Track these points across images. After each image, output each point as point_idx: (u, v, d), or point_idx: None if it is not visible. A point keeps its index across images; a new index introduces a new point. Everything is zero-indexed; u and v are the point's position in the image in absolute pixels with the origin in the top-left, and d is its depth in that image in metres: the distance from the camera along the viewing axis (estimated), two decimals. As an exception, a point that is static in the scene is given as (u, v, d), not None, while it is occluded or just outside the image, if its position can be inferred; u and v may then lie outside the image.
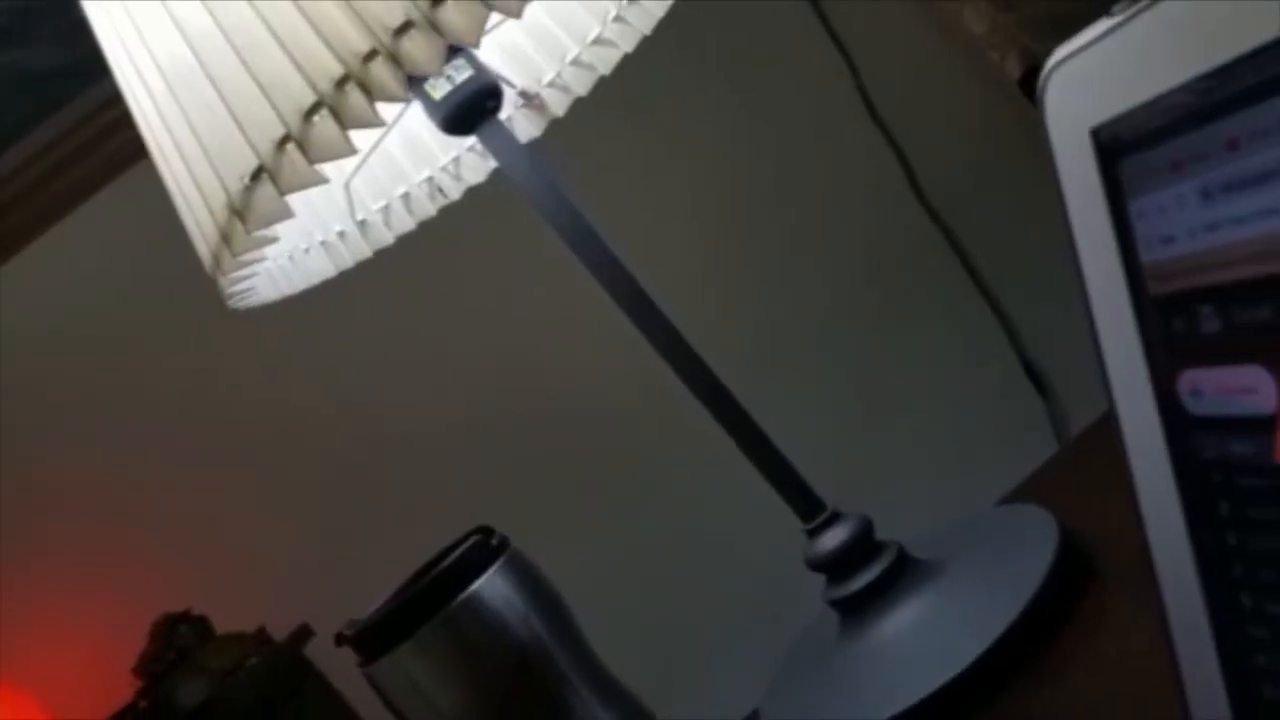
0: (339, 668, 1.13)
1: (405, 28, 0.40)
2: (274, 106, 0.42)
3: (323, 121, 0.41)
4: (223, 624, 1.15)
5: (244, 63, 0.42)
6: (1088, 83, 0.21)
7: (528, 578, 0.49)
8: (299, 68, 0.41)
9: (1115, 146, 0.21)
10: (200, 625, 1.08)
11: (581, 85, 0.60)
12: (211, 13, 0.43)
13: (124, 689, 1.08)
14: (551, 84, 0.59)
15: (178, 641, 1.05)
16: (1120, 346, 0.22)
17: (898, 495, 1.03)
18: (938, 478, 1.20)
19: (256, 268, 0.49)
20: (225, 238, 0.44)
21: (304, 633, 1.18)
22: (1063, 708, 0.42)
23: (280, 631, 1.17)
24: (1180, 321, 0.20)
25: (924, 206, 1.35)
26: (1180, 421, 0.21)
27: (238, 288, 0.49)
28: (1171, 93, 0.19)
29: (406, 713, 0.48)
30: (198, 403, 1.30)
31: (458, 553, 0.48)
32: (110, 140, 1.21)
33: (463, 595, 0.46)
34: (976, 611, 0.47)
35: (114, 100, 0.53)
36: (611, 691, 0.50)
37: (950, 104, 1.41)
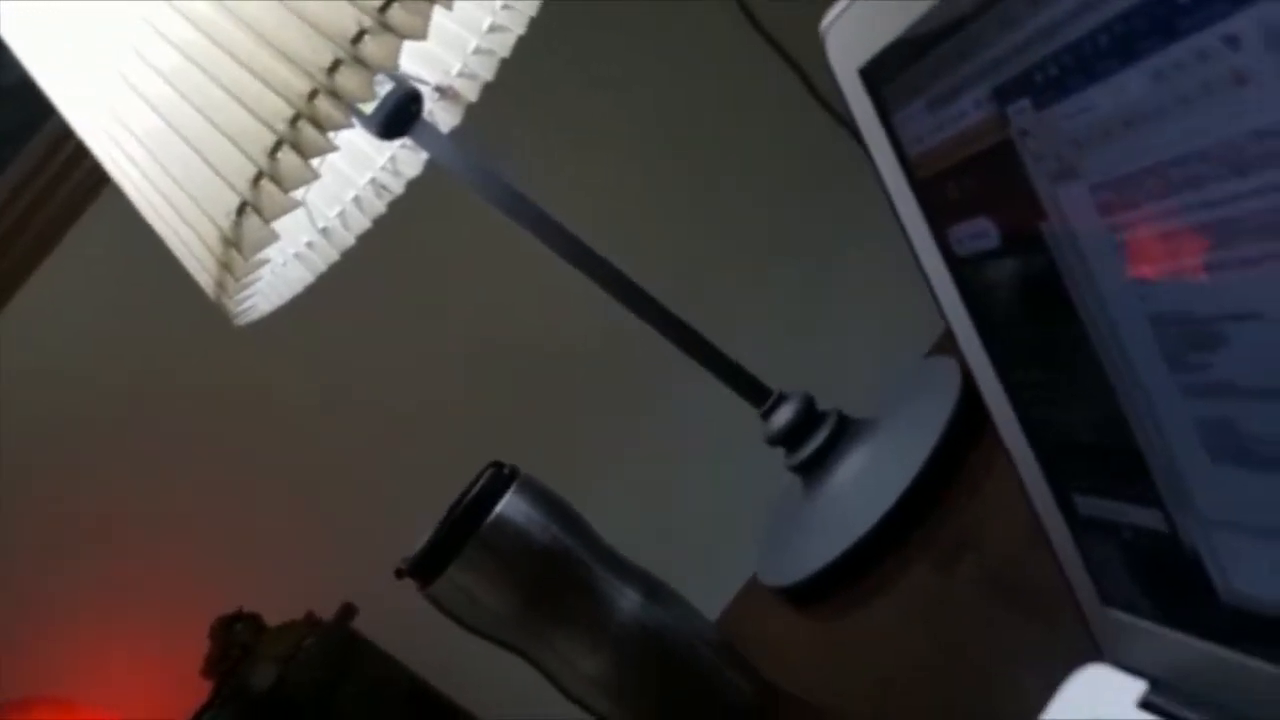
0: (385, 637, 1.25)
1: (335, 66, 0.49)
2: (243, 151, 0.50)
3: (286, 156, 0.50)
4: (271, 618, 1.25)
5: (208, 120, 0.50)
6: (852, 33, 0.30)
7: (540, 494, 0.59)
8: (255, 116, 0.49)
9: (875, 80, 0.30)
10: (253, 621, 1.18)
11: (487, 70, 0.68)
12: (170, 82, 0.50)
13: (196, 692, 1.18)
14: (460, 75, 0.67)
15: (236, 639, 1.14)
16: (911, 218, 0.31)
17: (840, 364, 1.14)
18: (870, 344, 1.31)
19: (254, 289, 0.57)
20: (226, 267, 0.52)
21: (348, 610, 1.28)
22: (977, 517, 0.52)
23: (325, 614, 1.28)
24: (938, 195, 0.30)
25: (827, 110, 1.43)
26: (957, 262, 0.31)
27: (241, 307, 0.57)
28: (899, 39, 0.28)
29: (466, 619, 0.58)
30: (202, 413, 1.38)
31: (479, 485, 0.57)
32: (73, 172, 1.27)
33: (491, 517, 0.56)
34: (903, 454, 0.58)
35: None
36: (628, 572, 0.60)
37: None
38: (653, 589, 0.59)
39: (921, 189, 0.31)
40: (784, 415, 0.61)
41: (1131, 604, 0.32)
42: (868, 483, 0.59)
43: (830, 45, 0.31)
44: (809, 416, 0.61)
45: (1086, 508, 0.32)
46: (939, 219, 0.31)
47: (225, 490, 1.38)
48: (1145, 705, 0.32)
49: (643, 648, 0.57)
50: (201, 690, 1.18)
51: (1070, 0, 0.22)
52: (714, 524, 1.22)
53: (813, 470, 0.61)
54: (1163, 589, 0.30)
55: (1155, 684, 0.33)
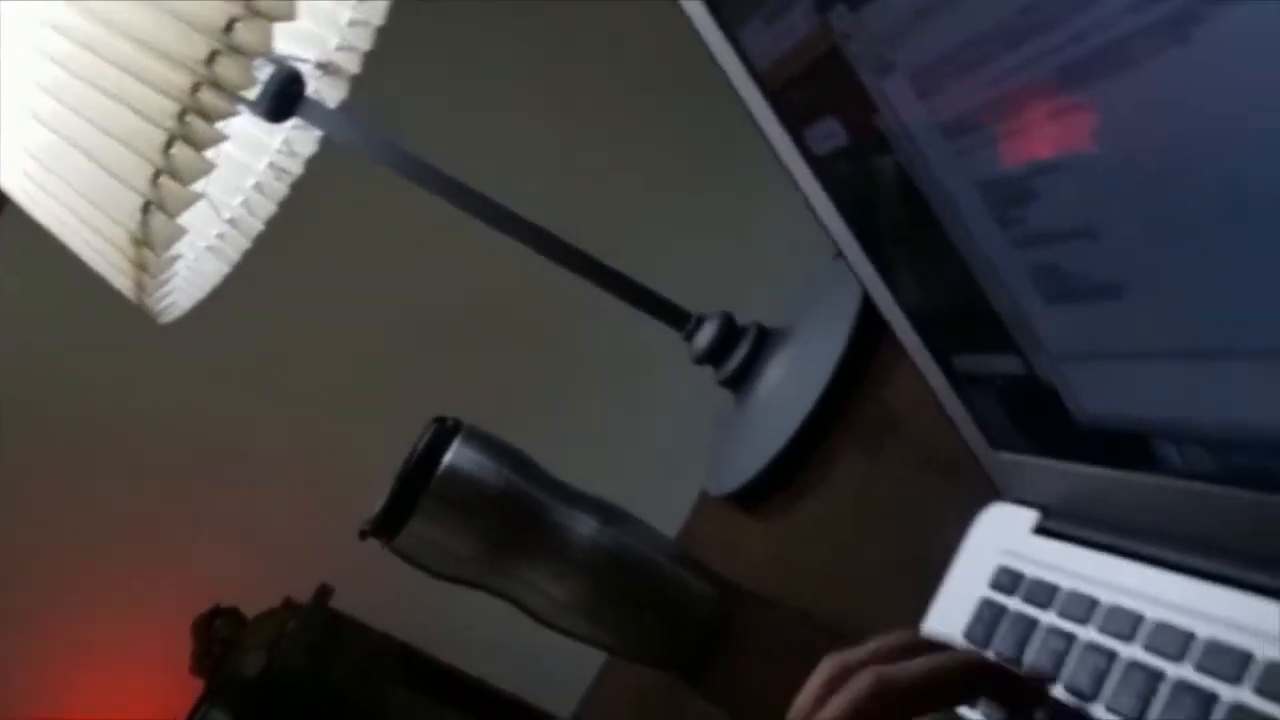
0: (367, 610, 1.27)
1: (213, 57, 0.49)
2: (137, 152, 0.51)
3: (180, 151, 0.51)
4: (249, 609, 1.27)
5: (99, 128, 0.51)
6: None
7: (485, 440, 0.62)
8: (143, 117, 0.50)
9: (714, 7, 0.32)
10: (233, 615, 1.20)
11: (364, 40, 0.68)
12: (56, 97, 0.51)
13: (191, 691, 1.20)
14: (339, 48, 0.68)
15: (218, 634, 1.16)
16: (771, 127, 0.34)
17: (754, 276, 1.17)
18: (781, 253, 1.35)
19: (171, 284, 0.58)
20: (141, 266, 0.53)
21: (325, 590, 1.30)
22: (889, 402, 0.56)
23: (302, 597, 1.30)
24: (789, 103, 0.32)
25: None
26: (818, 162, 0.33)
27: (163, 305, 0.59)
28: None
29: (435, 567, 0.60)
30: (143, 412, 1.39)
31: (425, 439, 0.60)
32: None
33: (441, 468, 0.58)
34: (819, 355, 0.61)
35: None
36: (582, 501, 0.63)
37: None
38: (608, 514, 0.63)
39: (775, 99, 0.33)
40: (706, 335, 0.64)
41: (1014, 444, 0.35)
42: (790, 387, 0.62)
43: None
44: (729, 333, 0.64)
45: (962, 365, 0.35)
46: (794, 124, 0.33)
47: (179, 490, 1.39)
48: (1039, 531, 0.36)
49: (606, 568, 0.60)
50: (195, 688, 1.20)
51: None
52: (664, 448, 1.25)
53: (740, 382, 0.64)
54: (1034, 424, 0.33)
55: (1046, 511, 0.36)
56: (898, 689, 0.30)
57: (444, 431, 0.60)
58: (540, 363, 1.49)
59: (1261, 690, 0.25)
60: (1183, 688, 0.27)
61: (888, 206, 0.32)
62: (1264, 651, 0.25)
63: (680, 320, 0.64)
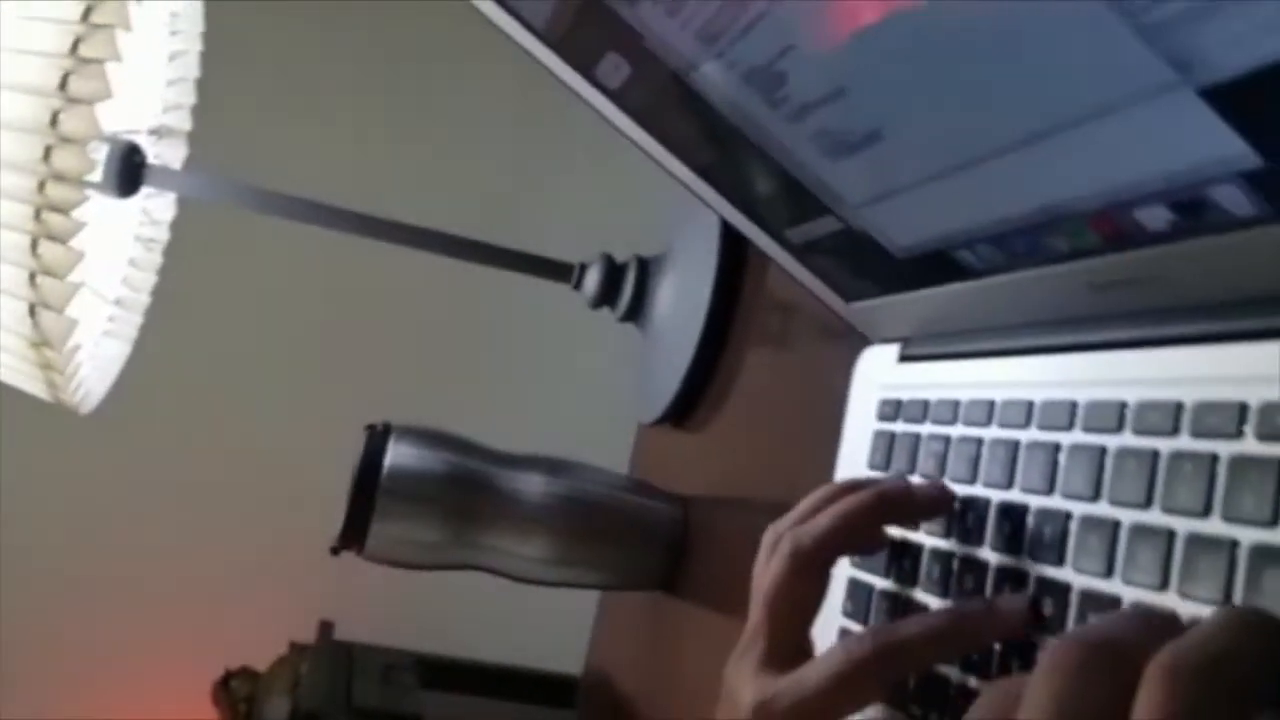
0: (367, 633, 1.31)
1: (48, 153, 0.51)
2: (8, 261, 0.52)
3: (47, 247, 0.53)
4: (259, 663, 1.29)
5: (-40, 250, 0.52)
6: None
7: (418, 434, 0.65)
8: (3, 226, 0.52)
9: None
10: (245, 673, 1.22)
11: (187, 96, 0.70)
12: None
13: (228, 757, 1.23)
14: (166, 110, 0.69)
15: (238, 695, 1.19)
16: (567, 75, 0.37)
17: (626, 212, 1.21)
18: (649, 185, 1.40)
19: (80, 375, 0.60)
20: (46, 366, 0.55)
21: (326, 625, 1.33)
22: (769, 296, 0.60)
23: (305, 638, 1.33)
24: (571, 48, 0.35)
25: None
26: (615, 94, 0.37)
27: (78, 397, 0.60)
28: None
29: (411, 561, 0.64)
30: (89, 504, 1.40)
31: (362, 449, 0.62)
32: None
33: (385, 469, 0.61)
34: (699, 272, 0.64)
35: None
36: (525, 462, 0.67)
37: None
38: (552, 466, 0.66)
39: (560, 50, 0.36)
40: (592, 280, 0.67)
41: (861, 293, 0.40)
42: (681, 306, 0.66)
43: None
44: (613, 272, 0.67)
45: (796, 238, 0.39)
46: (584, 67, 0.36)
47: (155, 575, 1.41)
48: (903, 359, 0.40)
49: (564, 515, 0.64)
50: (231, 753, 1.23)
51: None
52: (594, 394, 1.30)
53: (637, 314, 0.68)
54: (867, 270, 0.37)
55: (906, 342, 0.41)
56: (813, 544, 0.34)
57: (377, 437, 0.63)
58: (454, 348, 1.55)
59: (1139, 430, 0.28)
60: (1077, 449, 0.30)
61: (684, 118, 0.36)
62: (1133, 395, 0.28)
63: (565, 273, 0.67)
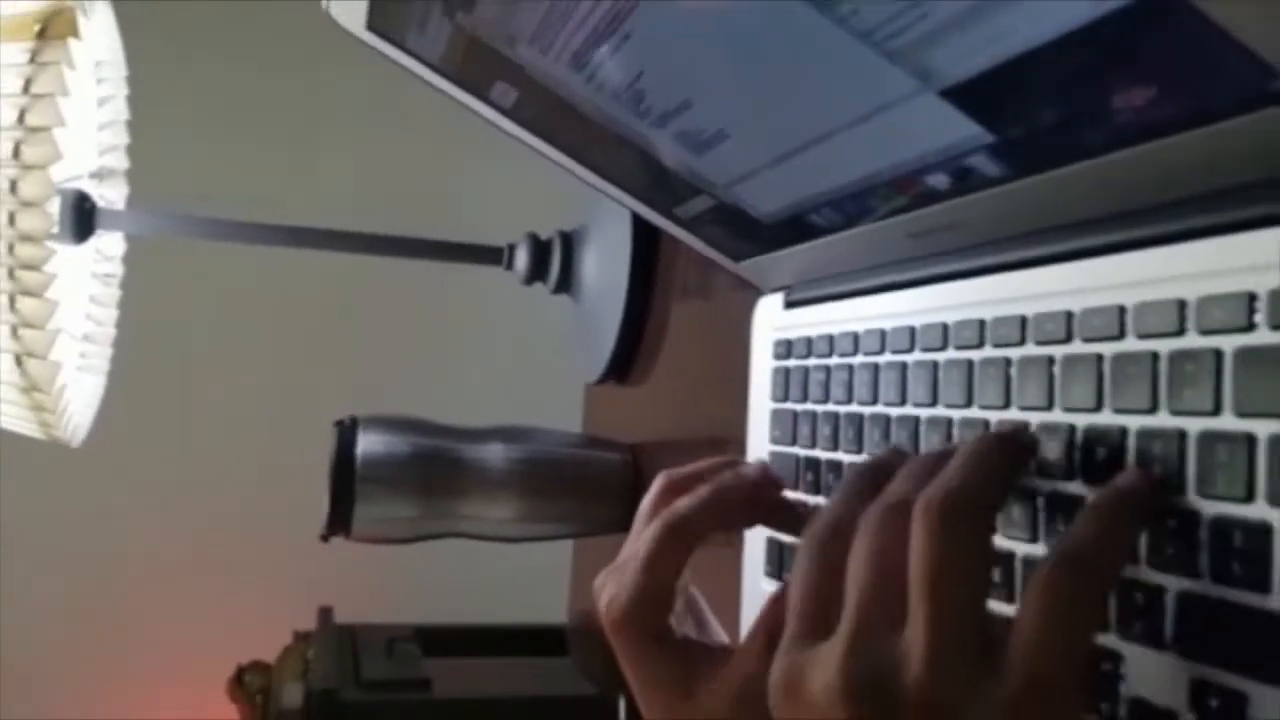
0: (365, 613, 1.37)
1: (12, 218, 0.56)
2: (-13, 321, 0.57)
3: (24, 302, 0.58)
4: (268, 654, 1.36)
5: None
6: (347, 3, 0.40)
7: (383, 422, 0.71)
8: (-23, 289, 0.57)
9: (386, 36, 0.40)
10: (257, 666, 1.29)
11: (120, 137, 0.74)
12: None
13: (250, 746, 1.30)
14: (103, 153, 0.74)
15: (252, 688, 1.25)
16: (465, 99, 0.43)
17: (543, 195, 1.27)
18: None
19: (68, 411, 0.65)
20: (38, 408, 0.61)
21: (325, 611, 1.40)
22: (680, 260, 0.66)
23: (307, 625, 1.39)
24: (466, 78, 0.41)
25: None
26: (510, 111, 0.42)
27: (69, 432, 0.66)
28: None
29: (394, 536, 0.70)
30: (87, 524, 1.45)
31: (335, 443, 0.69)
32: None
33: (359, 458, 0.67)
34: (618, 239, 0.71)
35: None
36: (483, 434, 0.73)
37: None
38: (509, 434, 0.73)
39: (456, 80, 0.42)
40: (521, 260, 0.73)
41: (744, 253, 0.46)
42: (606, 273, 0.72)
43: (336, 17, 0.41)
44: (540, 250, 0.73)
45: (683, 214, 0.45)
46: (479, 92, 0.42)
47: (154, 583, 1.47)
48: (788, 305, 0.47)
49: (525, 476, 0.71)
50: (252, 742, 1.30)
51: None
52: (539, 365, 1.36)
53: (567, 285, 0.74)
54: (745, 234, 0.44)
55: (788, 290, 0.47)
56: (683, 522, 0.37)
57: (347, 430, 0.69)
58: (405, 340, 1.63)
59: (958, 345, 0.35)
60: (950, 364, 0.37)
61: (571, 128, 0.42)
62: (990, 313, 0.35)
63: (496, 256, 0.73)
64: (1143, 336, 0.26)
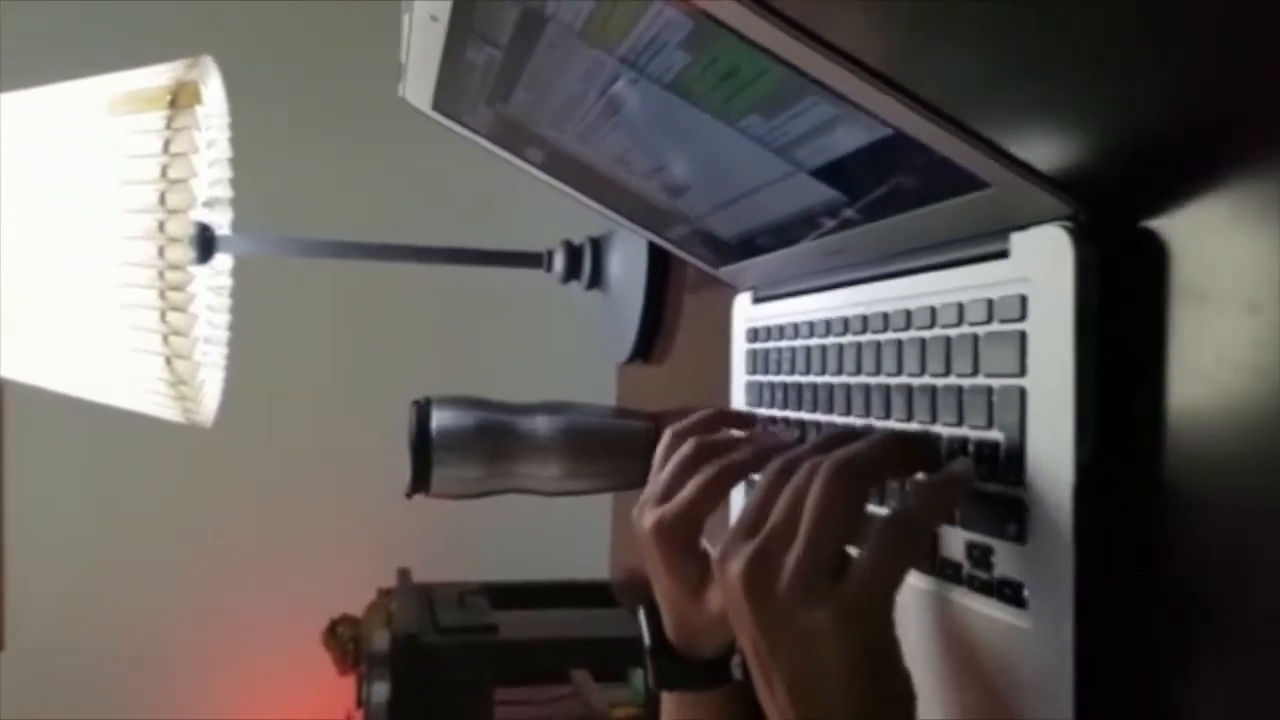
0: (439, 573, 1.55)
1: (161, 251, 0.72)
2: (147, 329, 0.74)
3: (173, 316, 0.74)
4: (356, 609, 1.55)
5: (127, 327, 0.74)
6: (421, 81, 0.55)
7: (452, 400, 0.86)
8: (141, 307, 0.73)
9: (448, 113, 0.55)
10: (346, 619, 1.47)
11: (225, 171, 0.90)
12: (98, 327, 0.74)
13: (344, 687, 1.49)
14: (212, 185, 0.90)
15: (343, 637, 1.43)
16: (507, 155, 0.57)
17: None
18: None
19: (203, 399, 0.82)
20: (182, 398, 0.77)
21: (404, 572, 1.58)
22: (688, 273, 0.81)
23: (389, 583, 1.58)
24: (510, 138, 0.56)
25: None
26: (544, 166, 0.57)
27: (204, 415, 0.83)
28: (436, 79, 0.54)
29: (466, 493, 0.86)
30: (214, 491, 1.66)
31: (414, 419, 0.84)
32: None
33: (434, 429, 0.83)
34: (637, 244, 0.85)
35: None
36: (533, 408, 0.89)
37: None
38: (553, 408, 0.88)
39: (501, 144, 0.57)
40: (558, 262, 0.88)
41: (720, 262, 0.60)
42: (629, 272, 0.87)
43: (409, 100, 0.56)
44: (573, 253, 0.88)
45: (672, 235, 0.60)
46: (518, 153, 0.57)
47: (255, 548, 1.68)
48: (756, 300, 0.61)
49: (568, 441, 0.86)
50: (347, 684, 1.49)
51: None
52: (578, 348, 1.52)
53: (598, 282, 0.89)
54: (717, 249, 0.58)
55: (755, 289, 0.62)
56: (672, 523, 0.51)
57: (423, 408, 0.85)
58: (466, 332, 1.83)
59: (873, 330, 0.49)
60: (849, 346, 0.51)
61: (585, 177, 0.56)
62: (869, 310, 0.49)
63: (537, 261, 0.88)
64: (943, 326, 0.40)
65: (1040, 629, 0.34)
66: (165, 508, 1.72)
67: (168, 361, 0.75)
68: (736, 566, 0.37)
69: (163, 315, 0.74)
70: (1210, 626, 0.30)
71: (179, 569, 1.73)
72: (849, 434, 0.43)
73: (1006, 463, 0.36)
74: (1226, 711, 0.30)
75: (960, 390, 0.39)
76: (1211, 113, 0.31)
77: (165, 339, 0.74)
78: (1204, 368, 0.30)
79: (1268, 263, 0.28)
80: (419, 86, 0.55)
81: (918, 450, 0.41)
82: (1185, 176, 0.31)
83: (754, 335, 0.61)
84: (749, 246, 0.54)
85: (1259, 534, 0.29)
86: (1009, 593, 0.36)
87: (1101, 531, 0.33)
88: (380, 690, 1.34)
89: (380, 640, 1.41)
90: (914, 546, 0.36)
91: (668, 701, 0.58)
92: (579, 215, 1.12)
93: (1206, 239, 0.31)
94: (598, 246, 0.89)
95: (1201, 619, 0.30)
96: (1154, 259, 0.32)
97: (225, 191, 0.95)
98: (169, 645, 1.73)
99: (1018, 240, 0.36)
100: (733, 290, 0.65)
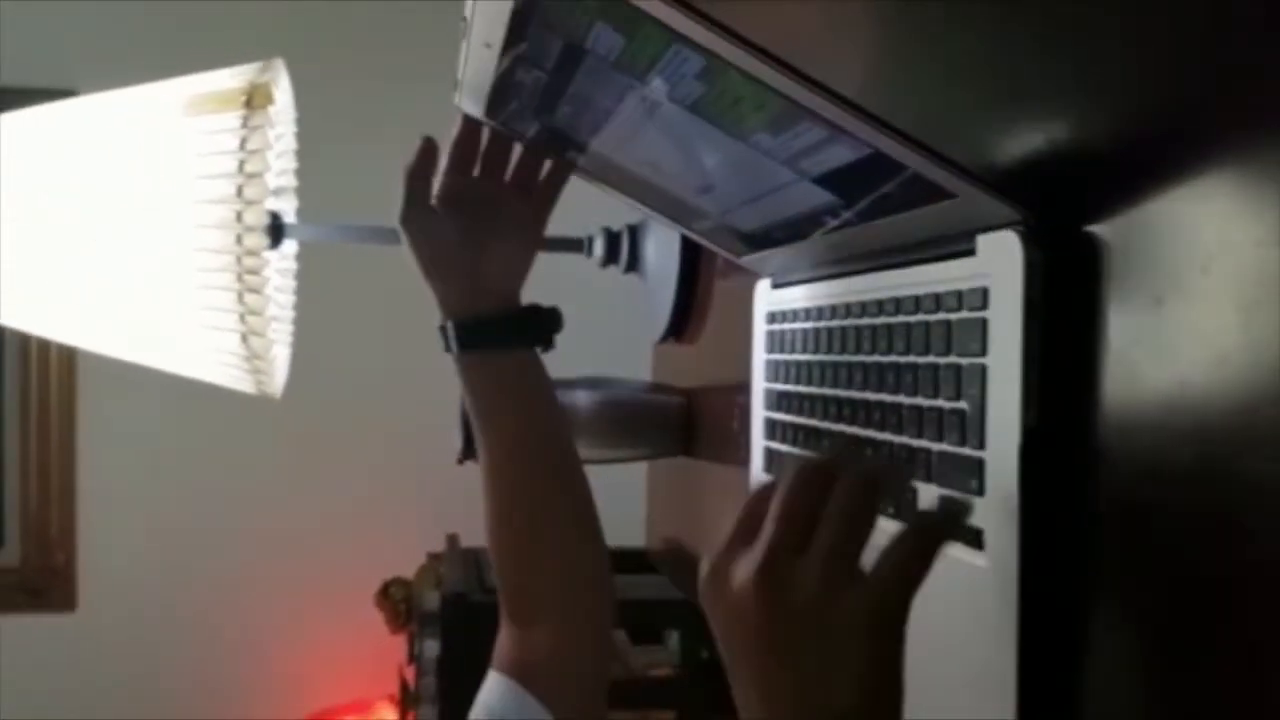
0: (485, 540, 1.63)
1: (239, 238, 0.81)
2: (226, 311, 0.82)
3: (249, 298, 0.82)
4: (407, 572, 1.64)
5: (208, 308, 0.82)
6: (473, 85, 0.62)
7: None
8: (221, 289, 0.82)
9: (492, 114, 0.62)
10: (398, 581, 1.56)
11: (290, 162, 0.98)
12: (186, 309, 0.82)
13: (395, 644, 1.59)
14: (279, 174, 0.98)
15: (395, 598, 1.53)
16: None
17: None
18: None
19: (275, 374, 0.90)
20: (256, 371, 0.86)
21: (453, 537, 1.67)
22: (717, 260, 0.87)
23: (438, 548, 1.67)
24: (564, 144, 0.63)
25: None
26: (599, 178, 0.64)
27: (275, 388, 0.91)
28: (488, 94, 0.61)
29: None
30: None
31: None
32: None
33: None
34: (671, 234, 0.92)
35: None
36: (575, 383, 0.96)
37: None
38: (594, 383, 0.95)
39: (546, 150, 0.64)
40: (598, 247, 0.95)
41: (744, 251, 0.67)
42: (664, 257, 0.94)
43: (464, 109, 0.63)
44: (612, 238, 0.95)
45: (699, 227, 0.66)
46: (559, 156, 0.64)
47: (314, 516, 1.78)
48: (775, 286, 0.68)
49: (607, 414, 0.93)
50: (398, 642, 1.59)
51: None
52: (617, 327, 1.60)
53: (635, 266, 0.96)
54: (742, 239, 0.65)
55: (774, 275, 0.68)
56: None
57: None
58: None
59: (869, 315, 0.56)
60: (849, 328, 0.57)
61: (620, 177, 0.63)
62: (867, 297, 0.56)
63: (579, 245, 0.95)
64: (924, 312, 0.47)
65: (994, 566, 0.41)
66: (229, 478, 1.83)
67: (244, 338, 0.83)
68: (748, 567, 0.38)
69: (240, 296, 0.82)
70: (1131, 557, 0.37)
71: (242, 536, 1.84)
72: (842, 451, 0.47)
73: (971, 428, 0.43)
74: (1144, 627, 0.36)
75: (936, 368, 0.46)
76: (1138, 137, 0.37)
77: (242, 318, 0.82)
78: (1123, 349, 0.37)
79: (1169, 261, 0.35)
80: (473, 99, 0.62)
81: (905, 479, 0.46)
82: (1118, 189, 0.38)
83: (772, 318, 0.68)
84: (766, 239, 0.61)
85: (1168, 486, 0.35)
86: (972, 538, 0.42)
87: (1042, 484, 0.39)
88: (431, 646, 1.43)
89: (431, 600, 1.51)
90: (933, 553, 0.38)
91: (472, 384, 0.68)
92: (615, 204, 1.20)
93: (1131, 242, 0.37)
94: (635, 233, 0.96)
95: (1125, 551, 0.37)
96: (1090, 258, 0.38)
97: (290, 181, 1.03)
98: (232, 608, 1.85)
99: (982, 241, 0.42)
100: (755, 276, 0.71)
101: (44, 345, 1.90)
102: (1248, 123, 0.32)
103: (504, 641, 0.68)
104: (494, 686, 0.66)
